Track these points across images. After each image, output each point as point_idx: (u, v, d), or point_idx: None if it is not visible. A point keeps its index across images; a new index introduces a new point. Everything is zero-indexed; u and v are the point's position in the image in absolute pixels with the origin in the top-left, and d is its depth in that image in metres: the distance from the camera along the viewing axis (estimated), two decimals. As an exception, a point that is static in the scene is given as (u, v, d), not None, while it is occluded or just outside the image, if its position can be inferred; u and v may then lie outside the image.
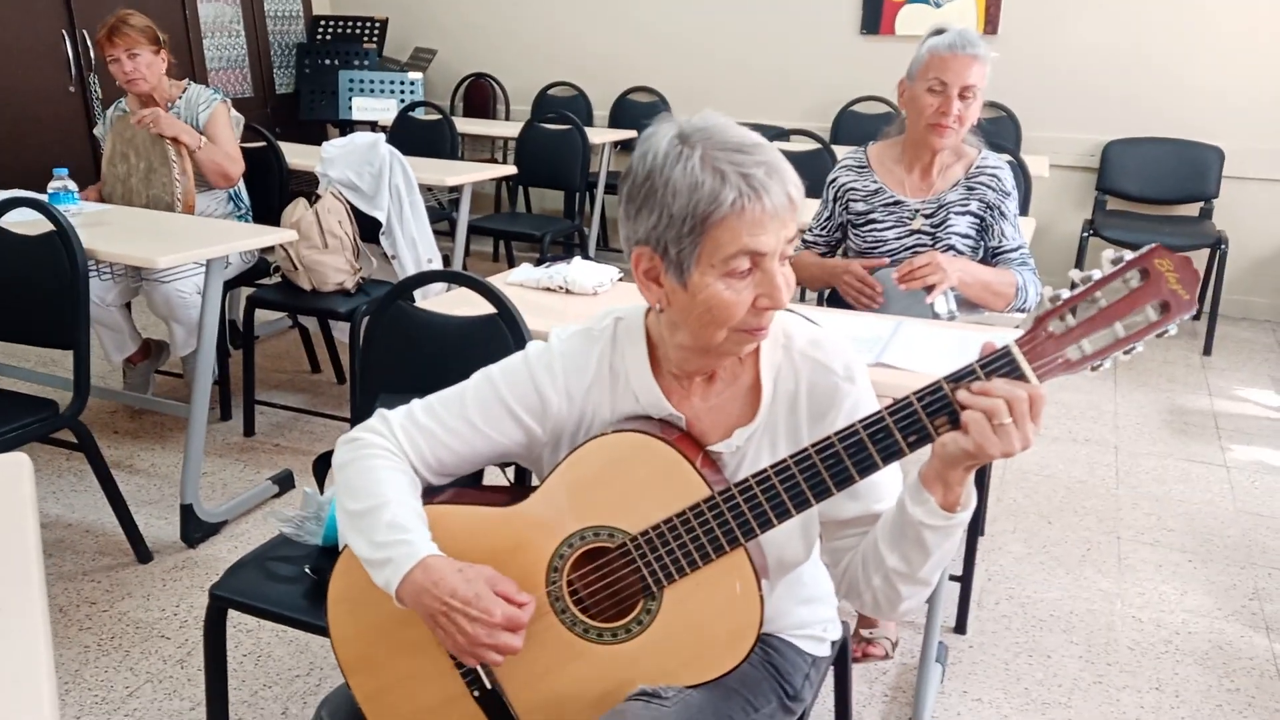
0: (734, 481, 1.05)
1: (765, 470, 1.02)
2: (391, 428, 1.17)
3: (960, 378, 0.98)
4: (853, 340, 1.82)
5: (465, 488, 1.23)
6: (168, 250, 2.42)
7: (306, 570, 1.57)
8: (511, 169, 4.02)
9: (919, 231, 2.21)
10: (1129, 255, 0.96)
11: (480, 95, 5.82)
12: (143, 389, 3.39)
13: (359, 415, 1.84)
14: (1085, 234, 4.30)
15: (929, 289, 2.01)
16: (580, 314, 2.05)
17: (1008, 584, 2.41)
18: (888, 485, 1.11)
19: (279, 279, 3.27)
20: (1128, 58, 4.49)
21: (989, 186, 2.18)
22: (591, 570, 1.11)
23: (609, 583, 1.10)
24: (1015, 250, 2.20)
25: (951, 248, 2.19)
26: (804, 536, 1.15)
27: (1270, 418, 3.45)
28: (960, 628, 2.19)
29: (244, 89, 5.39)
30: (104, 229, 2.64)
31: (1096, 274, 0.97)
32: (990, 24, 4.63)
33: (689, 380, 1.15)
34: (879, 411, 0.99)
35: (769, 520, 1.03)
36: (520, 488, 1.23)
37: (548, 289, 2.17)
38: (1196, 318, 4.48)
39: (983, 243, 2.22)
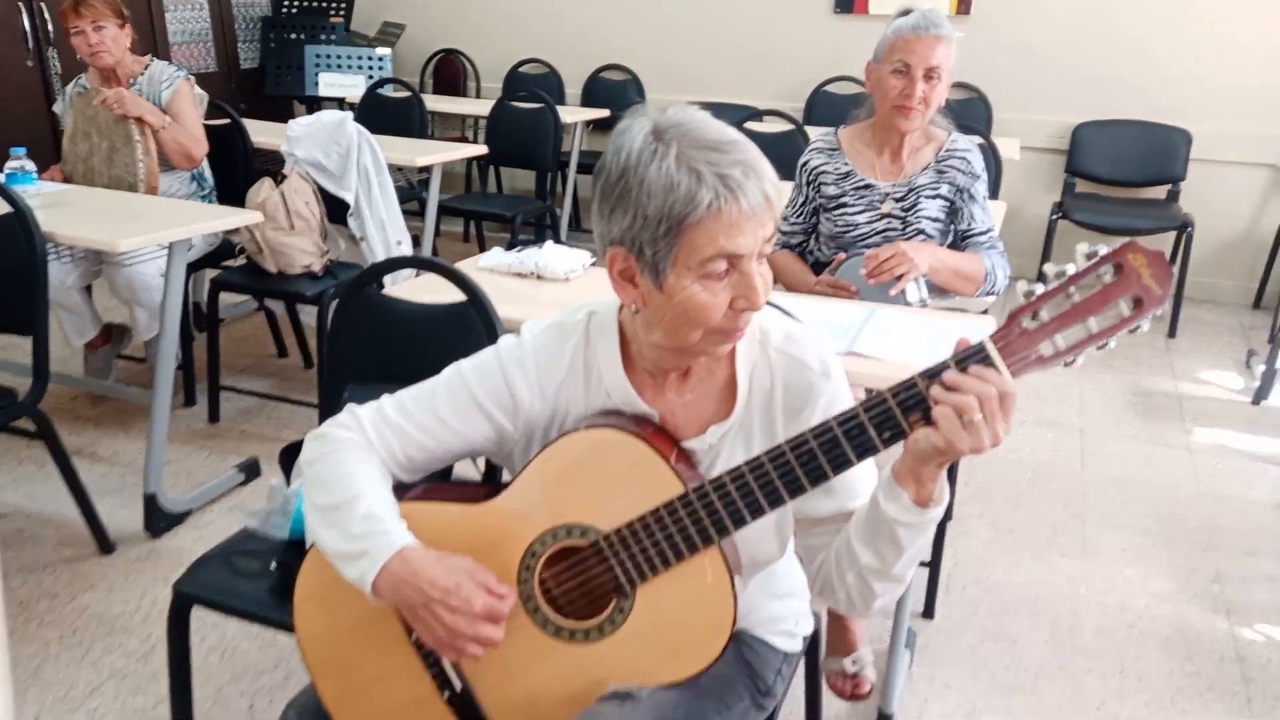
0: (708, 478, 1.05)
1: (739, 466, 1.01)
2: (361, 423, 1.15)
3: (934, 374, 0.97)
4: (824, 326, 1.82)
5: (435, 483, 1.21)
6: (129, 233, 2.36)
7: (273, 566, 1.54)
8: (482, 149, 3.97)
9: (889, 215, 2.20)
10: (1103, 250, 0.96)
11: (450, 72, 5.73)
12: (104, 374, 3.33)
13: (327, 405, 1.81)
14: (1054, 216, 4.32)
15: (898, 279, 2.01)
16: (553, 300, 2.03)
17: (974, 568, 2.43)
18: (862, 482, 1.11)
19: (244, 261, 3.21)
20: (1098, 40, 4.51)
21: (958, 169, 2.18)
22: (564, 569, 1.10)
23: (581, 581, 1.09)
24: (984, 234, 2.21)
25: (921, 231, 2.19)
26: (778, 534, 1.14)
27: (1233, 400, 3.50)
28: (928, 613, 2.21)
29: (207, 64, 5.27)
30: (64, 210, 2.57)
31: (1071, 269, 0.97)
32: (963, 4, 4.62)
33: (663, 376, 1.13)
34: (854, 408, 0.98)
35: (743, 517, 1.02)
36: (491, 484, 1.22)
37: (519, 274, 2.14)
38: (1162, 300, 4.53)
39: (952, 226, 2.22)
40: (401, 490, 1.16)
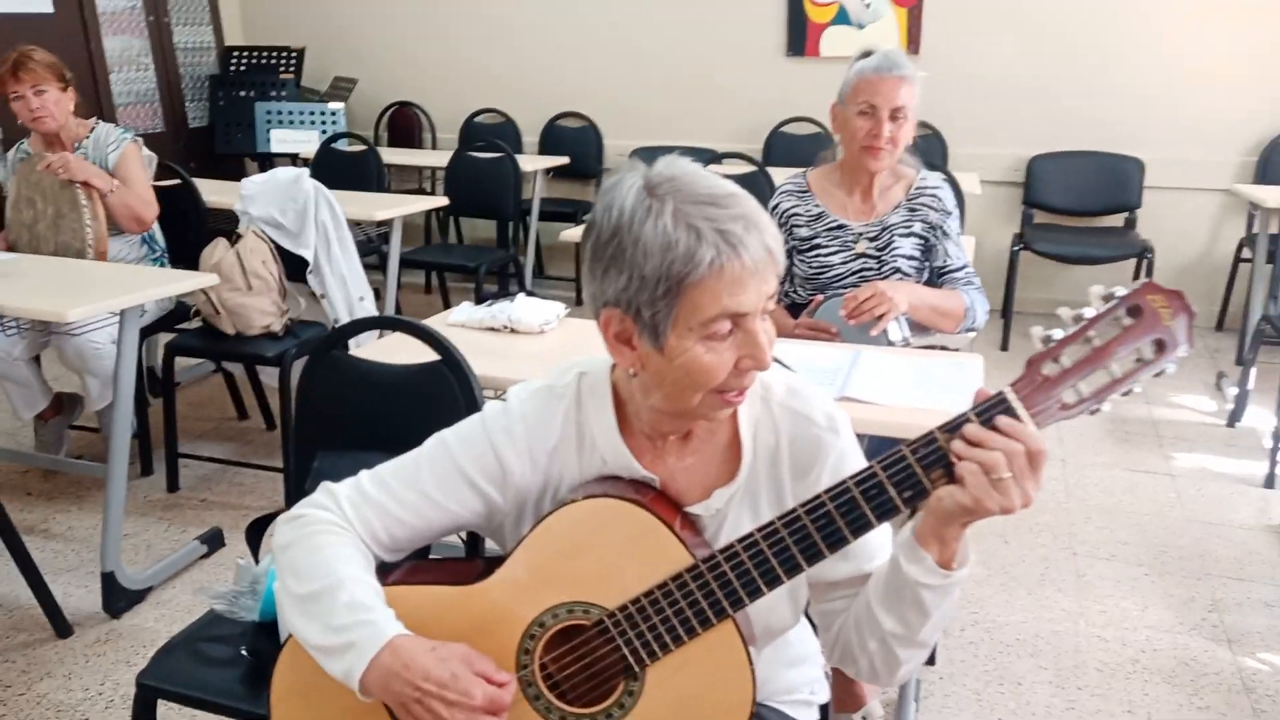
0: (717, 546, 0.98)
1: (751, 534, 0.95)
2: (338, 502, 1.07)
3: (954, 427, 0.92)
4: (811, 371, 1.78)
5: (421, 562, 1.13)
6: (78, 301, 2.26)
7: (243, 651, 1.44)
8: (443, 200, 3.91)
9: (864, 255, 2.18)
10: (1120, 291, 0.93)
11: (405, 124, 5.68)
12: (56, 446, 3.18)
13: (295, 477, 1.72)
14: (1016, 248, 4.36)
15: (878, 319, 1.98)
16: (527, 354, 1.96)
17: (971, 608, 2.37)
18: (879, 542, 1.05)
19: (200, 323, 3.11)
20: (1048, 72, 4.59)
21: (930, 206, 2.17)
22: (566, 650, 1.02)
23: (586, 663, 1.01)
24: (960, 270, 2.19)
25: (898, 270, 2.17)
26: (792, 601, 1.08)
27: (1208, 424, 3.52)
28: (929, 659, 2.15)
29: (155, 124, 5.17)
30: (8, 280, 2.46)
31: (1089, 312, 0.93)
32: (912, 44, 4.68)
33: (662, 439, 1.07)
34: (870, 466, 0.93)
35: (758, 588, 0.96)
36: (481, 559, 1.14)
37: (491, 329, 2.07)
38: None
39: (928, 263, 2.19)
40: (384, 572, 1.08)
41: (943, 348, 2.30)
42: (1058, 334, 0.92)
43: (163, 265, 3.26)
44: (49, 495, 3.05)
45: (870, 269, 2.16)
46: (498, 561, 1.04)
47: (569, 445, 1.09)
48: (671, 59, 5.16)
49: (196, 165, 5.23)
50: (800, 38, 4.87)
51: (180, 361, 3.13)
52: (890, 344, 2.00)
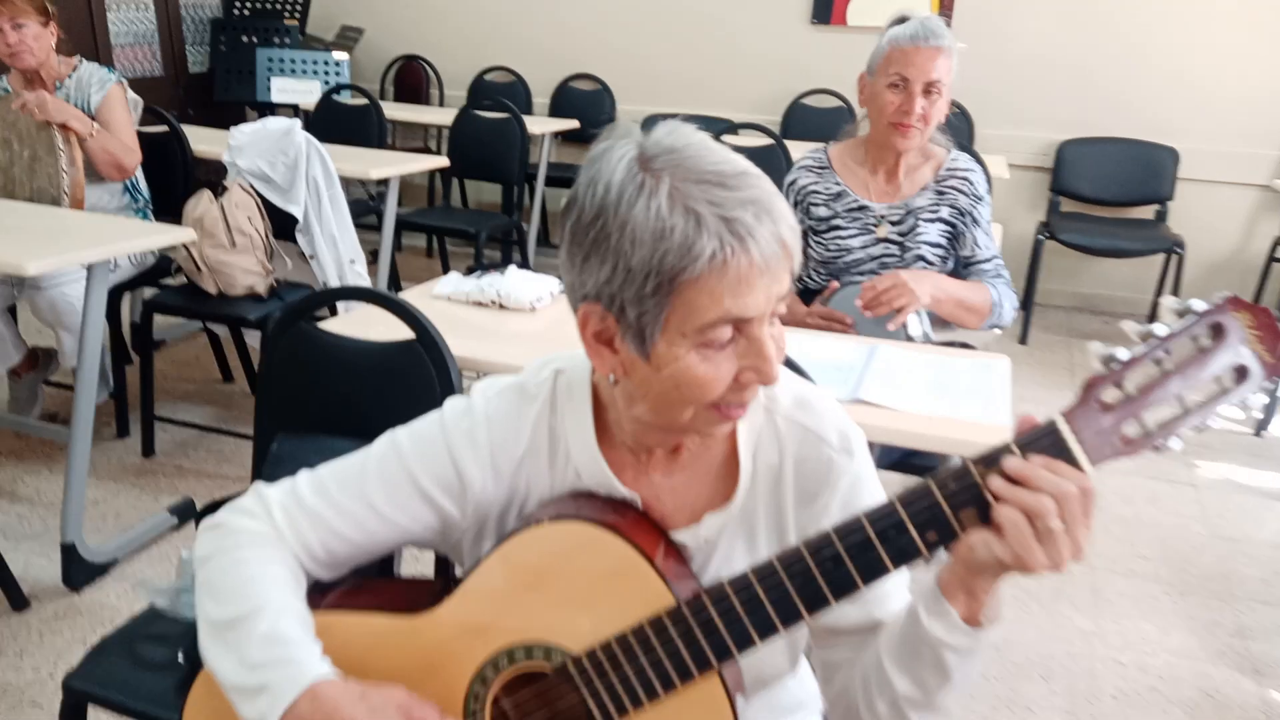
0: (705, 580, 0.83)
1: (745, 575, 0.80)
2: (269, 509, 0.92)
3: (993, 460, 0.77)
4: (823, 367, 1.62)
5: (364, 582, 0.98)
6: (43, 253, 2.11)
7: (179, 658, 1.30)
8: (444, 160, 3.73)
9: (885, 240, 2.01)
10: (1198, 305, 0.77)
11: (412, 79, 5.49)
12: (30, 403, 3.05)
13: (255, 461, 1.57)
14: (1041, 237, 4.17)
15: (897, 311, 1.82)
16: (516, 334, 1.81)
17: (979, 621, 2.23)
18: (893, 584, 0.90)
19: (183, 281, 2.96)
20: (1083, 54, 4.37)
21: (960, 190, 2.00)
22: (524, 698, 0.88)
23: (545, 715, 0.87)
24: (989, 261, 2.02)
25: (921, 258, 2.00)
26: (789, 648, 0.93)
27: (1235, 431, 3.35)
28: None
29: (153, 67, 4.99)
30: (-34, 227, 2.31)
31: (1160, 329, 0.78)
32: (944, 15, 4.47)
33: (647, 454, 0.92)
34: (889, 502, 0.78)
35: (749, 638, 0.81)
36: (435, 580, 0.99)
37: (479, 304, 1.91)
38: (1151, 323, 4.40)
39: (954, 252, 2.03)
40: (321, 592, 0.94)
41: (963, 344, 2.14)
42: (1122, 354, 0.77)
43: (145, 217, 3.11)
44: (19, 454, 2.92)
45: (892, 255, 2.00)
46: (452, 585, 0.90)
47: (539, 455, 0.94)
48: (690, 22, 4.95)
49: (195, 113, 5.06)
50: (826, 4, 4.65)
51: (166, 319, 2.99)
52: (909, 339, 1.84)
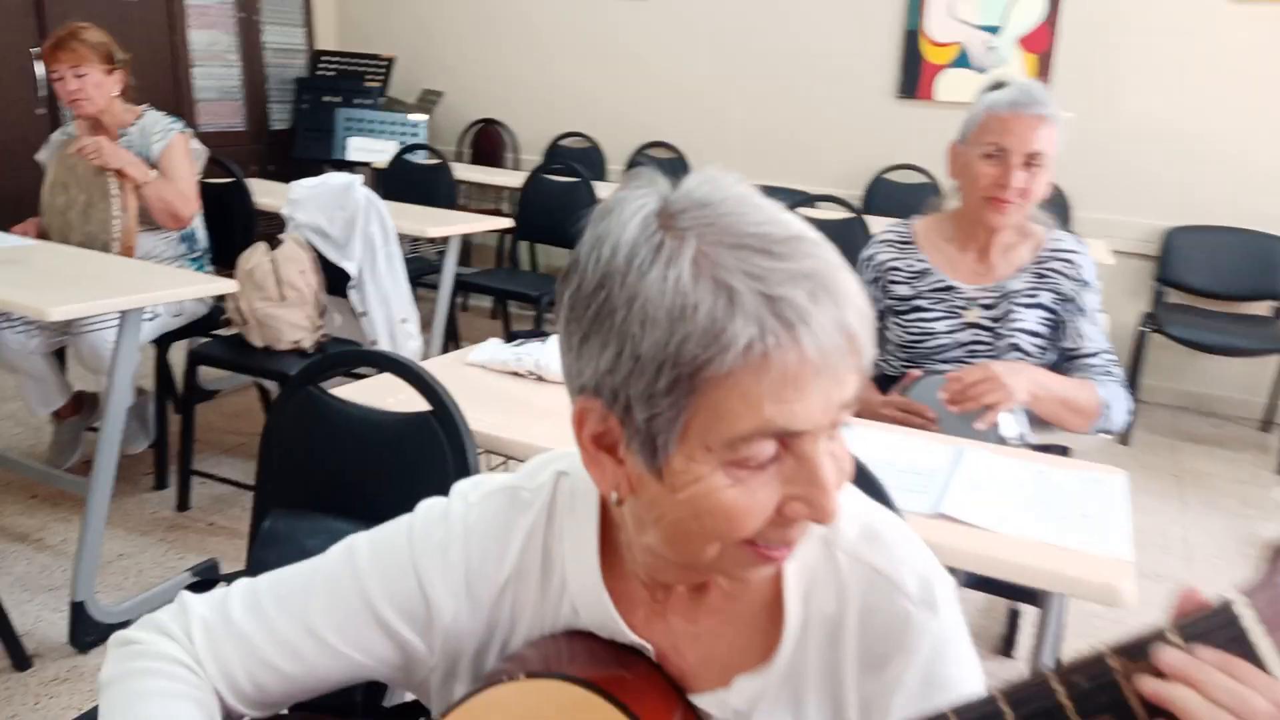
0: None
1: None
2: (189, 627, 0.74)
3: (1139, 650, 0.54)
4: (899, 472, 1.39)
5: (306, 723, 0.79)
6: (72, 299, 2.01)
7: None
8: (507, 221, 3.63)
9: (976, 325, 1.78)
10: None
11: (490, 142, 5.48)
12: (71, 448, 2.98)
13: (254, 537, 1.41)
14: (1145, 329, 3.86)
15: (988, 408, 1.58)
16: (550, 410, 1.62)
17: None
18: None
19: (232, 331, 2.87)
20: (1194, 136, 4.09)
21: (1063, 274, 1.77)
22: None
23: None
24: (1096, 355, 1.77)
25: (1016, 347, 1.76)
26: None
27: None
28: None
29: (236, 122, 5.06)
30: (13, 268, 2.24)
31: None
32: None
33: (664, 590, 0.71)
34: (988, 697, 0.55)
35: None
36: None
37: (515, 374, 1.74)
38: (1266, 428, 4.02)
39: (1054, 343, 1.79)
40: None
41: (1061, 449, 1.89)
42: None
43: (201, 267, 3.05)
44: (53, 502, 2.83)
45: (982, 343, 1.77)
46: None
47: (528, 580, 0.74)
48: (772, 91, 4.83)
49: (274, 169, 5.10)
50: (913, 78, 4.47)
51: (221, 371, 2.91)
52: (1001, 441, 1.59)
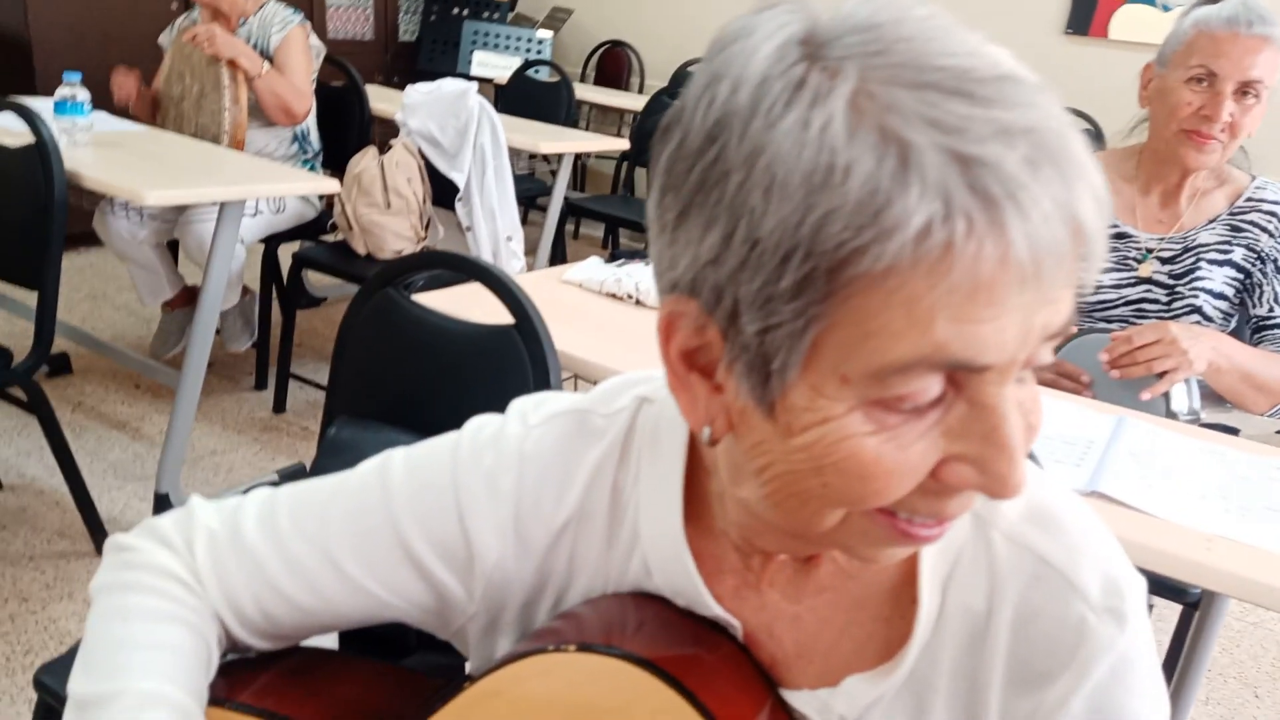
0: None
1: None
2: (192, 540, 0.62)
3: None
4: (1047, 443, 1.19)
5: (317, 662, 0.66)
6: (172, 185, 1.96)
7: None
8: (624, 143, 3.46)
9: (1150, 281, 1.54)
10: None
11: (614, 65, 5.28)
12: (175, 339, 2.99)
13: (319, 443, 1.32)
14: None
15: (1159, 376, 1.35)
16: (647, 336, 1.46)
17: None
18: None
19: (338, 237, 2.82)
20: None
21: (1264, 229, 1.50)
22: None
23: None
24: (1289, 327, 1.51)
25: (1195, 310, 1.52)
26: None
27: None
28: None
29: (364, 31, 5.01)
30: (113, 151, 2.21)
31: None
32: None
33: (762, 557, 0.55)
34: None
35: None
36: (423, 678, 0.66)
37: (613, 295, 1.59)
38: None
39: (1241, 309, 1.53)
40: (241, 674, 0.63)
41: (1226, 429, 1.63)
42: None
43: (312, 169, 3.00)
44: (155, 392, 2.86)
45: (1154, 301, 1.52)
46: (439, 695, 0.57)
47: (593, 524, 0.59)
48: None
49: (399, 79, 5.05)
50: (1086, 13, 4.05)
51: (325, 279, 2.88)
52: (1170, 415, 1.36)
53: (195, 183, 2.03)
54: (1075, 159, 0.38)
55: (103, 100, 2.53)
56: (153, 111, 2.86)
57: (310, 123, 2.93)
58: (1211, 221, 1.52)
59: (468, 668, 0.66)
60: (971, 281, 0.37)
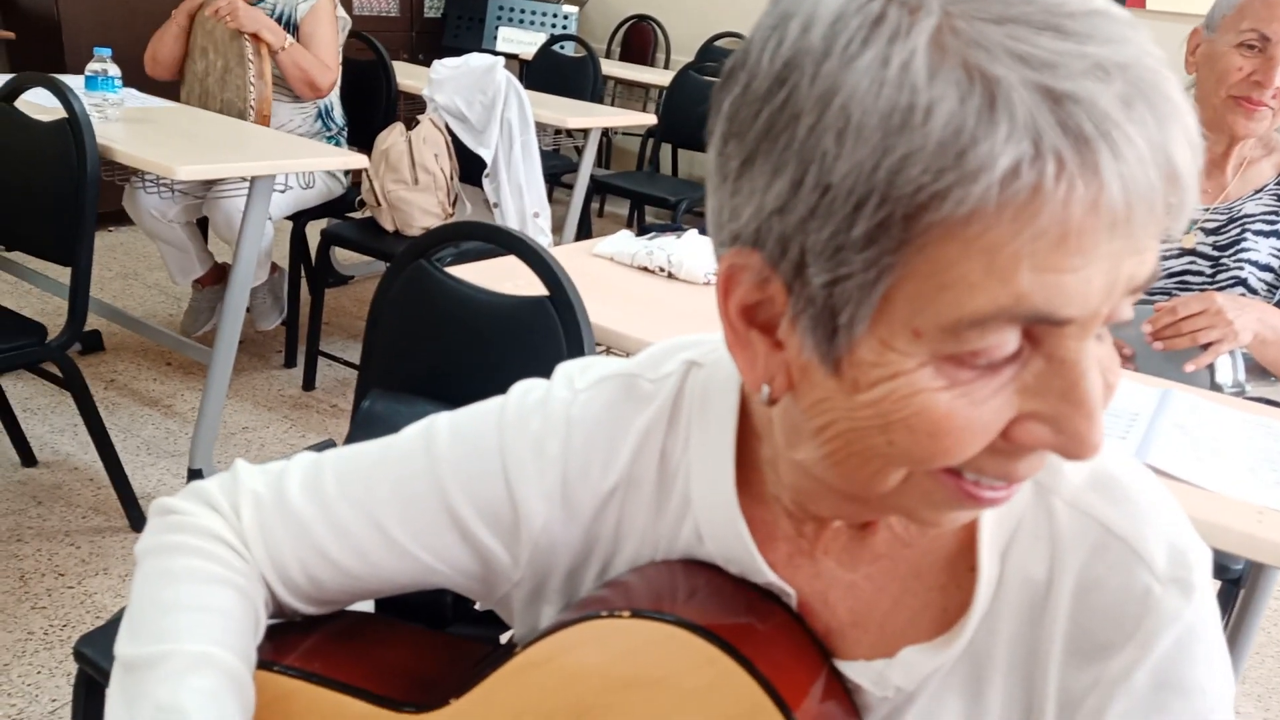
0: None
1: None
2: (238, 504, 0.62)
3: None
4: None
5: (365, 627, 0.66)
6: (201, 159, 1.96)
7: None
8: (650, 118, 3.43)
9: (1194, 253, 1.50)
10: None
11: (640, 40, 5.24)
12: (205, 317, 3.01)
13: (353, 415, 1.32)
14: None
15: (1204, 347, 1.32)
16: (680, 310, 1.46)
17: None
18: None
19: (366, 214, 2.82)
20: None
21: (1313, 201, 1.46)
22: None
23: None
24: (1336, 301, 1.47)
25: (1240, 282, 1.48)
26: None
27: None
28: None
29: (389, 8, 5.00)
30: (143, 127, 2.22)
31: None
32: None
33: (816, 523, 0.54)
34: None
35: None
36: (473, 644, 0.66)
37: (644, 269, 1.58)
38: None
39: (1288, 283, 1.50)
40: (302, 631, 0.63)
41: (1272, 402, 1.60)
42: None
43: (337, 144, 2.99)
44: (186, 369, 2.88)
45: (1198, 273, 1.49)
46: (483, 668, 0.56)
47: (641, 491, 0.58)
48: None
49: (424, 56, 5.03)
50: (1118, -15, 3.97)
51: (359, 256, 2.88)
52: (1214, 388, 1.34)
53: (225, 158, 2.03)
54: (1170, 99, 0.37)
55: (132, 77, 2.53)
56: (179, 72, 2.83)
57: (334, 98, 2.93)
58: (1258, 191, 1.48)
59: (505, 638, 0.65)
60: (1060, 227, 0.35)
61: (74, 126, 1.81)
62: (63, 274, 1.91)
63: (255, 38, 2.57)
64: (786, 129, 0.39)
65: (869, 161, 0.37)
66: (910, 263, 0.37)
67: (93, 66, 2.14)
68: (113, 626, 1.10)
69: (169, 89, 2.85)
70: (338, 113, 2.96)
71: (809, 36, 0.39)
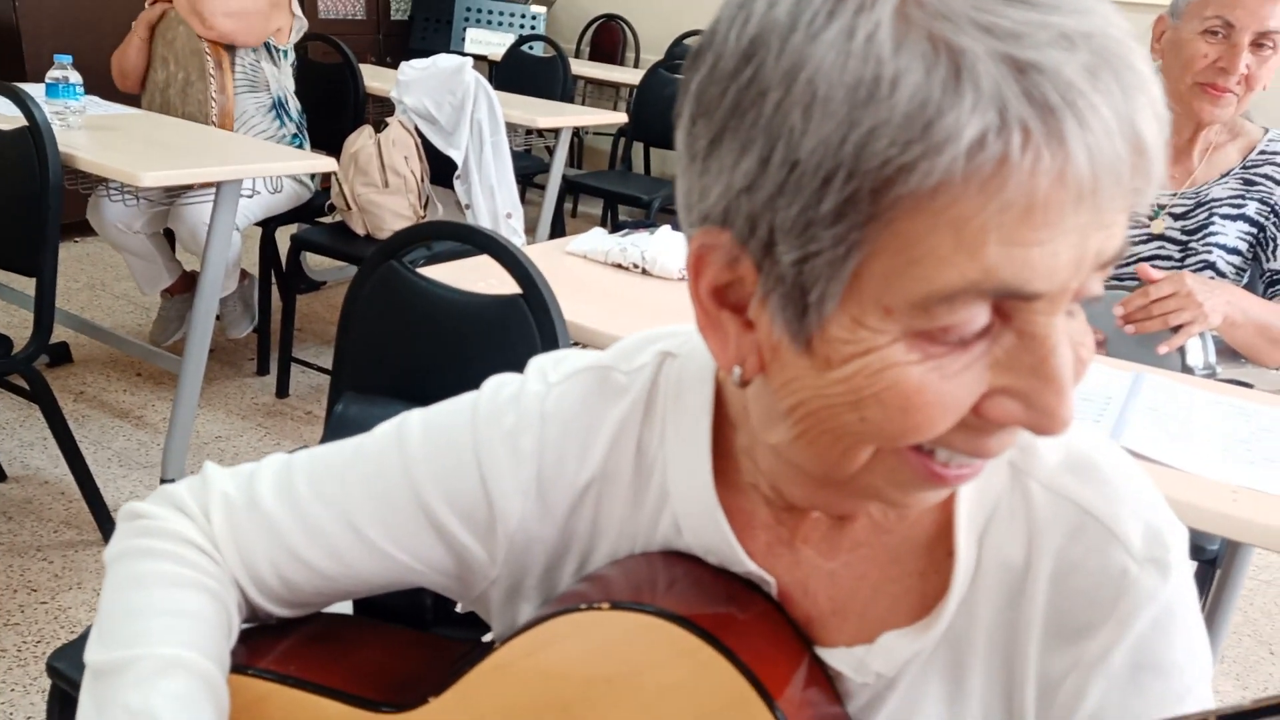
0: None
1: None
2: (208, 506, 0.61)
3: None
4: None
5: (341, 628, 0.65)
6: (167, 166, 1.94)
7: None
8: (622, 117, 3.43)
9: (1163, 238, 1.52)
10: None
11: (609, 40, 5.24)
12: (175, 326, 2.97)
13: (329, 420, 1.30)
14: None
15: (1175, 329, 1.34)
16: (654, 307, 1.45)
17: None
18: None
19: (337, 218, 2.80)
20: None
21: (1278, 182, 1.48)
22: None
23: None
24: (1304, 282, 1.49)
25: (1209, 265, 1.50)
26: None
27: None
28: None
29: (356, 10, 4.96)
30: (107, 134, 2.19)
31: None
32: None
33: (795, 515, 0.54)
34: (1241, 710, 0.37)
35: None
36: (452, 643, 0.65)
37: (618, 265, 1.57)
38: None
39: (1256, 263, 1.51)
40: (275, 634, 0.62)
41: (1242, 383, 1.62)
42: None
43: (300, 144, 2.96)
44: (156, 380, 2.84)
45: (1167, 257, 1.51)
46: (461, 665, 0.55)
47: (617, 484, 0.57)
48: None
49: (391, 60, 5.00)
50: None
51: (324, 262, 2.85)
52: (1185, 370, 1.35)
53: (191, 163, 2.01)
54: (1136, 69, 0.37)
55: (94, 84, 2.49)
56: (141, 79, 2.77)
57: (287, 89, 2.87)
58: (1224, 176, 1.50)
59: (487, 638, 0.65)
60: (1026, 199, 0.35)
61: (35, 134, 1.78)
62: (28, 285, 1.88)
63: (215, 48, 2.52)
64: (754, 106, 0.39)
65: (836, 135, 0.36)
66: (879, 238, 0.37)
67: (53, 74, 2.10)
68: (86, 640, 1.09)
69: (131, 96, 2.82)
70: (293, 110, 2.91)
71: (775, 12, 0.39)
